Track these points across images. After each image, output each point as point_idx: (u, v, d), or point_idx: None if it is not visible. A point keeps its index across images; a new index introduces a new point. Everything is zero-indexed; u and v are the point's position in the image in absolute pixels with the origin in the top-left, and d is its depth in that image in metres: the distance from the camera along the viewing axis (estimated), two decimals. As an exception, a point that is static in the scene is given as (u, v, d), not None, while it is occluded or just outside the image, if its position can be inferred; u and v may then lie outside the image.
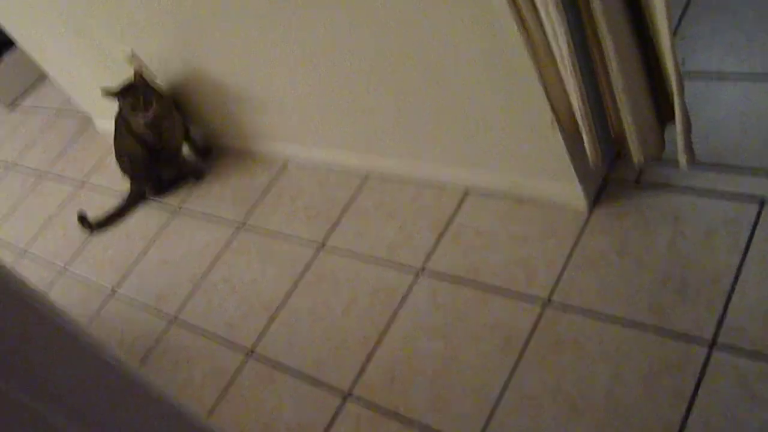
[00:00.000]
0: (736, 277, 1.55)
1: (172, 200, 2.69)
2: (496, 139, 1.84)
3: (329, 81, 2.03)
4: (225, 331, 2.12)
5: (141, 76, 2.41)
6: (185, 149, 2.73)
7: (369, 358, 1.84)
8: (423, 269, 1.95)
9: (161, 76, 2.54)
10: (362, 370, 1.83)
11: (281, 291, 2.12)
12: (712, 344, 1.48)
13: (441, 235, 2.00)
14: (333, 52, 1.91)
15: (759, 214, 1.62)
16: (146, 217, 2.69)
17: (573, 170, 1.78)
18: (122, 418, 0.66)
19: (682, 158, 1.58)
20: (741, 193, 1.68)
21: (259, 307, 2.11)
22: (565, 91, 1.61)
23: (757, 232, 1.60)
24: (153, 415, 0.69)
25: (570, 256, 1.78)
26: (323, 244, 2.18)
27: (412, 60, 1.75)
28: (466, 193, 2.06)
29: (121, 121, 2.56)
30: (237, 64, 2.22)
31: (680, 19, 2.12)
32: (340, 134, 2.24)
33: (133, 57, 2.50)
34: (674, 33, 2.08)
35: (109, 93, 2.41)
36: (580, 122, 1.60)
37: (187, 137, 2.71)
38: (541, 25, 1.46)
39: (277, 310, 2.08)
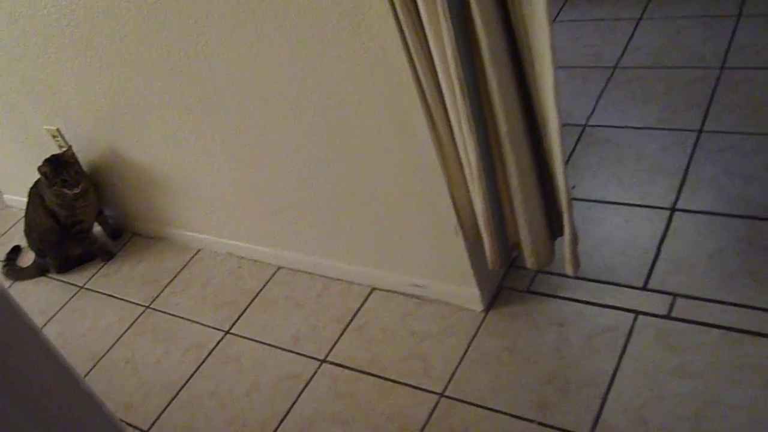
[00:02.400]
0: (612, 379, 1.72)
1: (77, 279, 2.69)
2: (404, 243, 1.99)
3: (251, 176, 2.15)
4: (122, 412, 2.12)
5: (71, 150, 2.47)
6: (97, 229, 2.76)
7: (268, 441, 1.88)
8: (326, 359, 2.04)
9: (82, 154, 2.59)
10: (260, 453, 1.87)
11: (184, 373, 2.15)
12: (589, 438, 1.62)
13: (345, 328, 2.11)
14: (257, 149, 2.04)
15: (633, 324, 1.82)
16: (48, 293, 2.67)
17: (473, 275, 1.94)
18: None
19: (569, 268, 1.77)
20: (618, 306, 1.87)
21: (161, 389, 2.13)
22: (470, 200, 1.78)
23: (631, 340, 1.78)
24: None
25: (465, 353, 1.91)
26: (229, 331, 2.24)
27: (334, 162, 1.90)
28: (372, 290, 2.18)
29: (35, 194, 2.59)
30: (161, 151, 2.32)
31: (573, 150, 2.38)
32: (256, 227, 2.35)
33: (59, 136, 2.56)
34: (567, 161, 2.34)
35: (42, 167, 2.45)
36: (482, 230, 1.77)
37: (101, 217, 2.75)
38: (453, 139, 1.65)
39: (178, 392, 2.10)
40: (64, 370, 0.69)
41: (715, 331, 1.74)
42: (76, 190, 2.47)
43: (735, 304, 1.78)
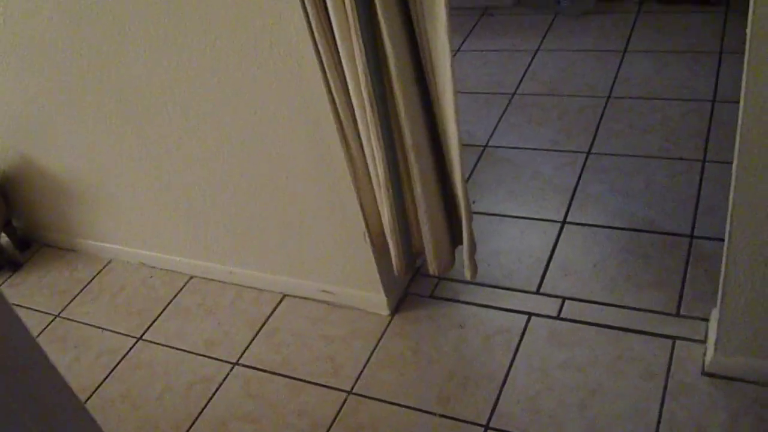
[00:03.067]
0: (507, 374, 1.86)
1: (-18, 289, 2.65)
2: (315, 251, 2.09)
3: (164, 185, 2.20)
4: (30, 417, 2.11)
5: None
6: (4, 238, 2.74)
7: (180, 441, 1.93)
8: (238, 362, 2.11)
9: (-8, 165, 2.59)
10: (172, 452, 1.92)
11: (96, 378, 2.17)
12: (487, 427, 1.75)
13: (257, 333, 2.18)
14: (171, 158, 2.10)
15: (526, 324, 1.97)
16: (-49, 304, 2.63)
17: (380, 282, 2.06)
18: None
19: (468, 273, 1.91)
20: (513, 308, 2.03)
21: (71, 393, 2.14)
22: (377, 210, 1.91)
23: (524, 339, 1.94)
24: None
25: (372, 354, 2.02)
26: (141, 337, 2.28)
27: (248, 172, 1.99)
28: (283, 297, 2.27)
29: (-59, 203, 2.56)
30: (73, 160, 2.34)
31: (474, 168, 2.55)
32: (169, 237, 2.40)
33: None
34: (468, 178, 2.50)
35: None
36: (388, 237, 1.90)
37: (8, 227, 2.73)
38: (362, 151, 1.77)
39: (90, 396, 2.12)
40: (21, 327, 0.77)
41: (599, 329, 1.91)
42: None
43: (616, 305, 1.96)
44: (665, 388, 1.74)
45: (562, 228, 2.24)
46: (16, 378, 0.76)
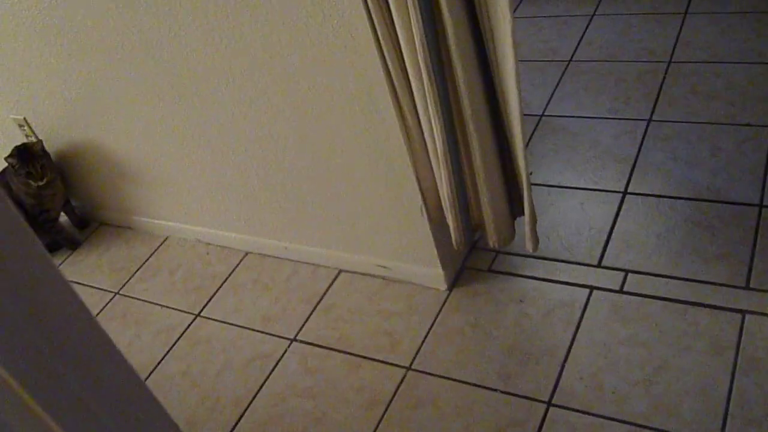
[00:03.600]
0: (569, 350, 1.82)
1: (44, 267, 2.70)
2: (371, 225, 2.07)
3: (219, 162, 2.21)
4: (93, 393, 2.15)
5: (40, 144, 2.49)
6: (63, 218, 2.78)
7: (241, 417, 1.94)
8: (296, 338, 2.11)
9: (50, 144, 2.62)
10: (234, 428, 1.93)
11: (156, 355, 2.20)
12: (549, 404, 1.72)
13: (314, 309, 2.18)
14: (225, 135, 2.10)
15: (588, 299, 1.93)
16: (14, 282, 2.68)
17: (437, 256, 2.03)
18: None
19: (529, 245, 1.87)
20: (574, 282, 1.98)
21: (132, 369, 2.17)
22: (434, 183, 1.87)
23: (586, 313, 1.89)
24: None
25: (430, 329, 2.00)
26: (200, 314, 2.30)
27: (302, 147, 1.97)
28: (339, 272, 2.26)
29: (2, 183, 2.60)
30: (128, 140, 2.36)
31: (530, 138, 2.49)
32: (224, 214, 2.40)
33: (26, 125, 2.58)
34: (526, 146, 2.44)
35: (9, 157, 2.47)
36: (446, 210, 1.86)
37: (67, 206, 2.77)
38: (419, 123, 1.73)
39: (150, 373, 2.15)
40: (82, 307, 0.76)
41: (664, 303, 1.86)
42: (41, 183, 2.50)
43: (681, 278, 1.90)
44: (735, 363, 1.68)
45: (623, 199, 2.18)
46: (77, 358, 0.75)
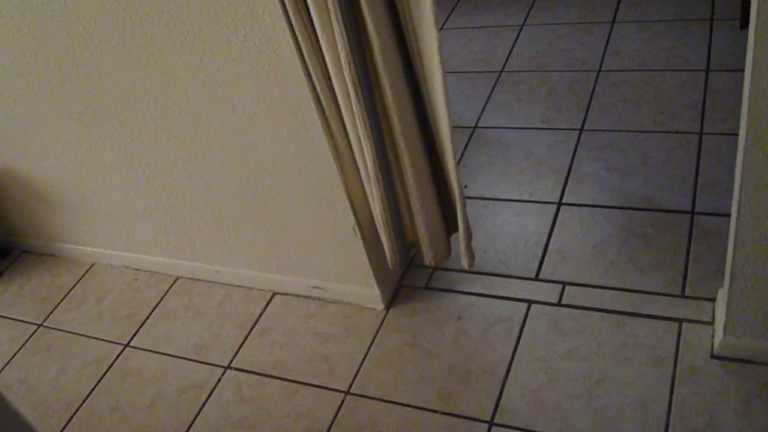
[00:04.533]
0: (509, 366, 1.79)
1: (-39, 300, 2.57)
2: (304, 246, 2.01)
3: (145, 185, 2.12)
4: (16, 433, 2.03)
5: None
6: (-18, 248, 2.65)
7: (173, 451, 1.86)
8: (230, 365, 2.03)
9: (-36, 172, 2.49)
10: (166, 464, 1.84)
11: (83, 389, 2.09)
12: (491, 423, 1.69)
13: (248, 334, 2.10)
14: (150, 157, 2.01)
15: (527, 313, 1.90)
16: (-70, 317, 2.54)
17: (372, 275, 1.98)
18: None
19: (465, 261, 1.84)
20: (512, 296, 1.96)
21: (59, 407, 2.06)
22: (367, 202, 1.83)
23: (525, 328, 1.87)
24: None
25: (368, 351, 1.95)
26: (129, 344, 2.20)
27: (230, 168, 1.90)
28: (273, 295, 2.19)
29: None
30: (49, 164, 2.25)
31: (464, 150, 2.47)
32: (152, 238, 2.31)
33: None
34: (459, 161, 2.42)
35: None
36: (380, 229, 1.82)
37: (-14, 235, 2.64)
38: (348, 140, 1.68)
39: (77, 409, 2.04)
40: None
41: (602, 314, 1.85)
42: None
43: (618, 289, 1.89)
44: (674, 373, 1.68)
45: (558, 209, 2.17)
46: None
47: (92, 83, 1.88)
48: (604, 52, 2.75)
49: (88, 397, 2.07)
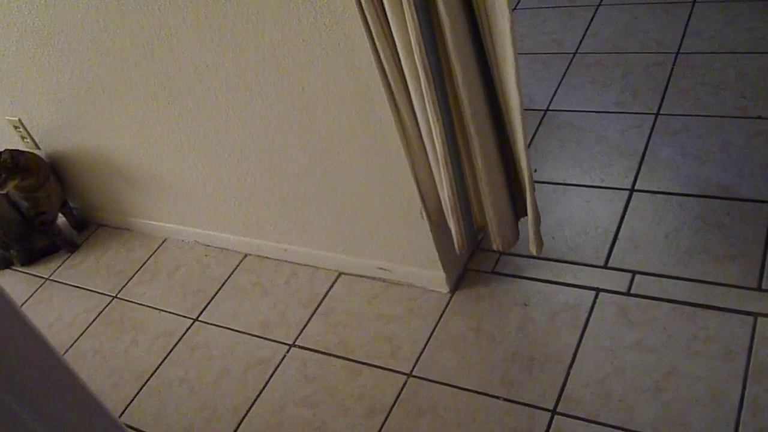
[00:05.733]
0: (575, 355, 1.77)
1: (42, 271, 2.67)
2: (370, 227, 2.02)
3: (216, 164, 2.16)
4: (91, 400, 2.11)
5: (9, 155, 2.41)
6: (61, 219, 2.74)
7: (238, 426, 1.90)
8: (294, 343, 2.06)
9: (46, 145, 2.58)
10: (231, 437, 1.89)
11: (153, 361, 2.16)
12: (554, 412, 1.67)
13: (313, 313, 2.13)
14: (221, 136, 2.04)
15: (594, 301, 1.87)
16: (12, 285, 2.65)
17: (438, 258, 1.97)
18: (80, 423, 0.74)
19: (533, 246, 1.81)
20: (580, 284, 1.92)
21: (130, 377, 2.13)
22: (434, 184, 1.81)
23: (592, 316, 1.83)
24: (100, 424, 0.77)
25: (432, 334, 1.94)
26: (198, 318, 2.25)
27: (299, 148, 1.92)
28: (339, 275, 2.21)
29: (-2, 187, 2.56)
30: (125, 141, 2.31)
31: (534, 134, 2.43)
32: (222, 216, 2.35)
33: (21, 127, 2.53)
34: (529, 145, 2.38)
35: None
36: (447, 213, 1.81)
37: (65, 208, 2.73)
38: (416, 123, 1.67)
39: (147, 379, 2.11)
40: (49, 352, 0.71)
41: (673, 305, 1.80)
42: (1, 191, 2.43)
43: (690, 280, 1.84)
44: (747, 369, 1.62)
45: (630, 196, 2.11)
46: (37, 399, 0.70)
47: (167, 63, 1.91)
48: (684, 33, 2.65)
49: (157, 368, 2.13)
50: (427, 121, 1.62)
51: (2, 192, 2.44)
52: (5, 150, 2.42)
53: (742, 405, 1.56)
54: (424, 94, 1.55)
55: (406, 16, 1.43)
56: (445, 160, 1.67)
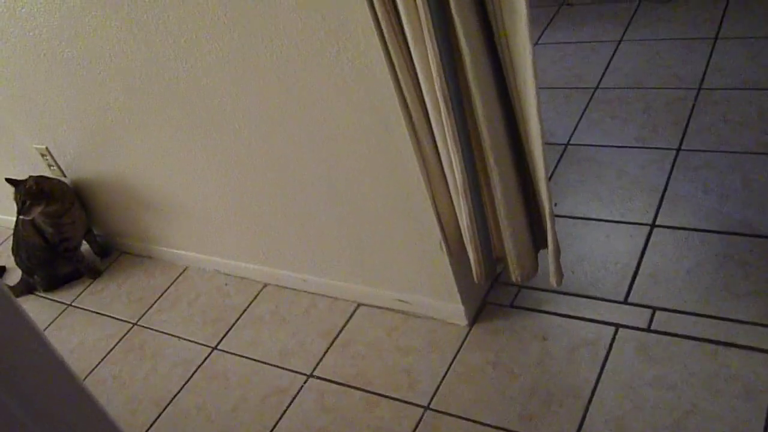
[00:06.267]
0: (594, 391, 1.75)
1: (64, 297, 2.70)
2: (390, 258, 2.02)
3: (237, 193, 2.18)
4: (108, 427, 2.12)
5: (34, 180, 2.46)
6: (84, 246, 2.77)
7: (255, 455, 1.90)
8: (312, 374, 2.06)
9: (72, 173, 2.62)
10: (247, 467, 1.88)
11: (172, 389, 2.16)
12: (572, 449, 1.65)
13: (331, 344, 2.13)
14: (243, 167, 2.07)
15: (614, 337, 1.85)
16: (34, 311, 2.68)
17: (456, 291, 1.97)
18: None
19: (553, 278, 1.81)
20: (599, 319, 1.91)
21: (148, 403, 2.14)
22: (454, 216, 1.82)
23: (612, 352, 1.82)
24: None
25: (450, 367, 1.94)
26: (216, 347, 2.26)
27: (319, 180, 1.93)
28: (357, 306, 2.21)
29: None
30: (149, 170, 2.34)
31: (555, 168, 2.43)
32: (243, 245, 2.37)
33: (48, 155, 2.58)
34: (549, 178, 2.38)
35: (10, 183, 2.47)
36: (467, 243, 1.81)
37: (89, 235, 2.76)
38: (437, 154, 1.68)
39: (165, 407, 2.11)
40: (66, 372, 0.72)
41: (694, 343, 1.78)
42: (25, 217, 2.48)
43: (712, 317, 1.82)
44: (770, 408, 1.60)
45: (651, 231, 2.11)
46: (54, 420, 0.71)
47: (191, 93, 1.95)
48: (706, 69, 2.65)
49: (176, 396, 2.14)
50: (447, 151, 1.63)
51: (28, 218, 2.48)
52: (30, 177, 2.47)
53: (764, 445, 1.54)
54: (444, 125, 1.56)
55: (428, 47, 1.45)
56: (464, 189, 1.68)
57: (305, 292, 2.33)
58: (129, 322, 2.48)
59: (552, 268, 1.81)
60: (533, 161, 1.67)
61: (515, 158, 1.70)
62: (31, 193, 2.44)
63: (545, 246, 1.81)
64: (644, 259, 2.03)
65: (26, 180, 2.46)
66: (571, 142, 2.53)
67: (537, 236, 1.85)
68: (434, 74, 1.49)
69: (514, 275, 1.87)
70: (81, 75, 2.15)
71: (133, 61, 1.98)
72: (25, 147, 2.65)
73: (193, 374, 2.19)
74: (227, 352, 2.23)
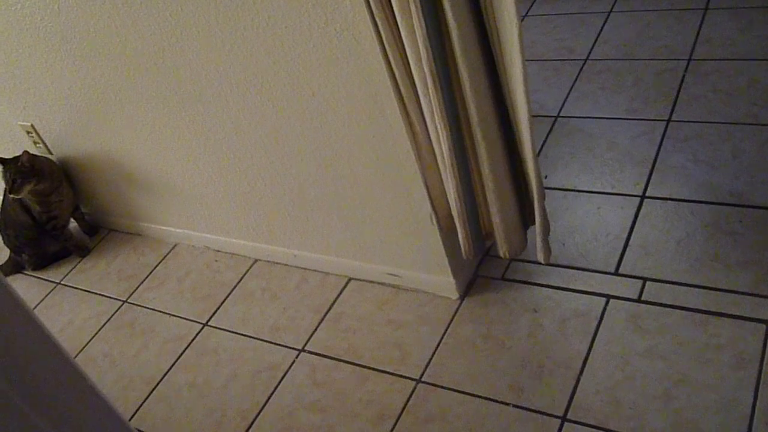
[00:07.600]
0: (585, 362, 1.76)
1: (53, 275, 2.68)
2: (380, 233, 2.02)
3: (226, 169, 2.16)
4: (100, 404, 2.12)
5: (27, 157, 2.43)
6: (72, 224, 2.75)
7: (248, 430, 1.90)
8: (304, 348, 2.06)
9: (58, 150, 2.59)
10: (240, 442, 1.89)
11: (162, 366, 2.16)
12: (564, 419, 1.66)
13: (323, 318, 2.13)
14: (232, 142, 2.05)
15: (605, 308, 1.86)
16: (23, 289, 2.66)
17: (447, 264, 1.97)
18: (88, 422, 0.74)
19: (540, 255, 1.81)
20: (590, 290, 1.91)
21: (139, 381, 2.14)
22: (443, 191, 1.81)
23: (603, 323, 1.83)
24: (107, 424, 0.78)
25: (441, 340, 1.94)
26: (207, 323, 2.25)
27: (309, 154, 1.92)
28: (348, 280, 2.21)
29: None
30: (136, 146, 2.32)
31: (545, 140, 2.42)
32: (233, 221, 2.36)
33: (34, 132, 2.55)
34: (539, 151, 2.38)
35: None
36: (455, 219, 1.80)
37: (77, 213, 2.74)
38: (426, 129, 1.67)
39: (157, 384, 2.11)
40: (56, 350, 0.71)
41: (684, 313, 1.78)
42: (15, 196, 2.45)
43: (702, 287, 1.83)
44: (759, 377, 1.61)
45: (641, 203, 2.11)
46: (48, 402, 0.70)
47: (178, 68, 1.92)
48: (695, 40, 2.64)
49: (167, 373, 2.14)
50: (435, 125, 1.62)
51: (18, 196, 2.46)
52: (25, 152, 2.44)
53: (753, 413, 1.55)
54: (431, 98, 1.55)
55: (414, 20, 1.43)
56: (451, 165, 1.67)
57: (296, 267, 2.32)
58: (119, 300, 2.47)
59: (540, 245, 1.80)
60: (521, 137, 1.66)
61: (504, 134, 1.69)
62: (23, 171, 2.41)
63: (533, 222, 1.80)
64: (635, 230, 2.03)
65: (20, 156, 2.42)
66: (561, 114, 2.52)
67: (525, 213, 1.85)
68: (421, 48, 1.47)
69: (502, 251, 1.86)
70: (65, 50, 2.12)
71: (118, 35, 1.95)
72: (10, 124, 2.62)
73: (184, 351, 2.19)
74: (218, 328, 2.23)
